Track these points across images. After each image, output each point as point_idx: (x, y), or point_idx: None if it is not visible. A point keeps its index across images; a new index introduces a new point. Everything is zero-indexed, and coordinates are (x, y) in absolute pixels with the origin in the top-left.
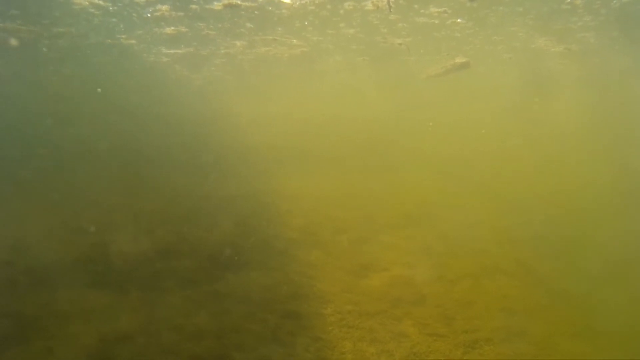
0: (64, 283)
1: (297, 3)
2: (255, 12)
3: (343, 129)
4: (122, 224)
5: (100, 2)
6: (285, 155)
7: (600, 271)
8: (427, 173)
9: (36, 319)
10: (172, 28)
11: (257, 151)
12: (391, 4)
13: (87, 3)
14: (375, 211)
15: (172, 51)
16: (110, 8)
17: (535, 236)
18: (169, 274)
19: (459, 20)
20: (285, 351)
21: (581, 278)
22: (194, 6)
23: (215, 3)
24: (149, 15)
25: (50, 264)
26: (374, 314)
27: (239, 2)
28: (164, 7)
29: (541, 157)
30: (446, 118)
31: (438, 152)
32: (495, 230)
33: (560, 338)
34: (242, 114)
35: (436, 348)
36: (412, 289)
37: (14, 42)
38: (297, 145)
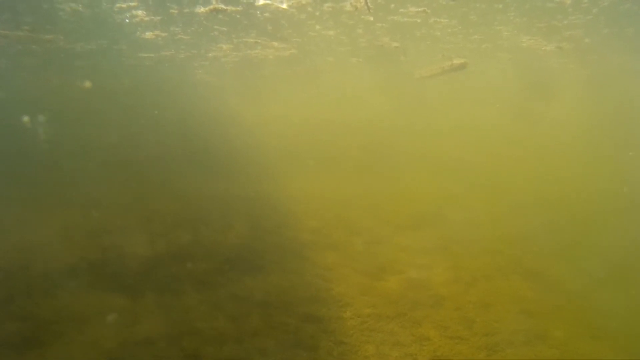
0: (80, 286)
1: (285, 5)
2: (237, 15)
3: (344, 130)
4: (135, 226)
5: (80, 9)
6: (289, 156)
7: (616, 273)
8: (433, 174)
9: (53, 322)
10: (151, 32)
11: (259, 152)
12: (369, 4)
13: (69, 9)
14: (386, 212)
15: (155, 54)
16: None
17: (545, 237)
18: (185, 277)
19: (448, 21)
20: (309, 355)
21: (596, 280)
22: (177, 11)
23: (201, 8)
24: (127, 20)
25: (66, 267)
26: (394, 317)
27: (224, 7)
28: (140, 12)
29: (546, 156)
30: (446, 119)
31: (441, 153)
32: (505, 231)
33: (580, 340)
34: (241, 116)
35: (458, 351)
36: (430, 291)
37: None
38: (299, 146)
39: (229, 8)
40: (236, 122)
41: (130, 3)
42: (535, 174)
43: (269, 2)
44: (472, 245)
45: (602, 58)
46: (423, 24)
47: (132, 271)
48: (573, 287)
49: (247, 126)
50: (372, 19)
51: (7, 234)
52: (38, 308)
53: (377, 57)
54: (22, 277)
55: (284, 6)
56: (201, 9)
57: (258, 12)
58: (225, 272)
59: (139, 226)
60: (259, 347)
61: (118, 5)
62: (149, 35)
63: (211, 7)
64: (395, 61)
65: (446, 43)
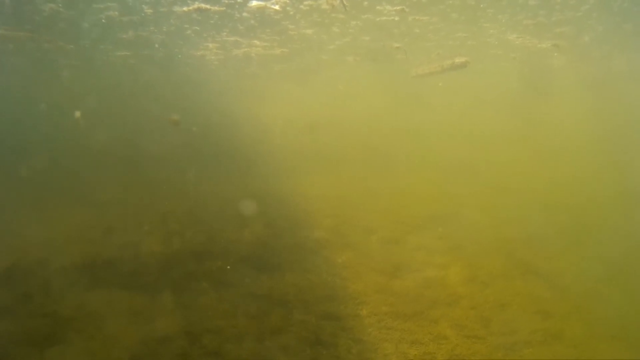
0: (98, 283)
1: (277, 6)
2: (216, 16)
3: (347, 130)
4: (151, 224)
5: (61, 9)
6: (295, 156)
7: (633, 274)
8: (441, 174)
9: (73, 319)
10: (132, 32)
11: (266, 151)
12: (345, 2)
13: (49, 10)
14: (399, 212)
15: (138, 53)
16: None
17: (558, 238)
18: (202, 275)
19: (428, 18)
20: (329, 353)
21: (614, 281)
22: (162, 9)
23: (184, 7)
24: (104, 20)
25: (83, 264)
26: (411, 316)
27: (208, 7)
28: (115, 13)
29: (553, 158)
30: (448, 119)
31: (447, 153)
32: (518, 231)
33: (598, 340)
34: (242, 116)
35: (476, 350)
36: (446, 290)
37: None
38: (305, 145)
39: (213, 8)
40: (237, 122)
41: (109, 3)
42: (543, 175)
43: (261, 3)
44: (487, 244)
45: (605, 55)
46: (412, 22)
47: (148, 269)
48: (590, 288)
49: (249, 125)
50: (342, 16)
51: (23, 232)
52: (57, 305)
53: (375, 57)
54: (40, 274)
55: (277, 7)
56: (184, 9)
57: (246, 13)
58: (241, 271)
59: (154, 225)
60: (279, 345)
61: (96, 5)
62: (130, 34)
63: (195, 6)
64: (392, 60)
65: (430, 41)
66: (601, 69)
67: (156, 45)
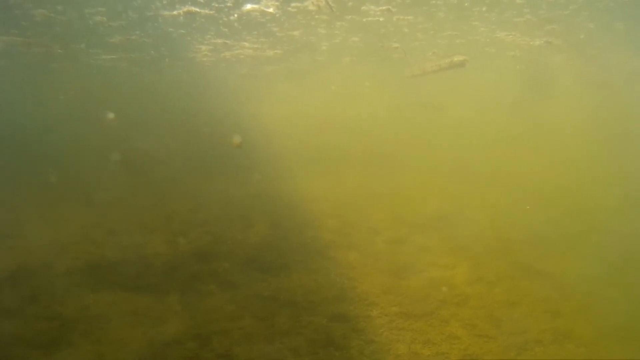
0: (103, 285)
1: (271, 9)
2: (202, 19)
3: (348, 131)
4: (155, 225)
5: (52, 14)
6: (297, 157)
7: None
8: (445, 175)
9: (79, 322)
10: (119, 37)
11: (269, 152)
12: (331, 3)
13: (41, 15)
14: (403, 212)
15: (131, 55)
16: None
17: (564, 239)
18: (209, 276)
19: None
20: (342, 355)
21: (622, 280)
22: (150, 13)
23: (174, 11)
24: (91, 24)
25: (88, 265)
26: (421, 316)
27: (197, 10)
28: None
29: (555, 157)
30: (447, 118)
31: (449, 154)
32: (523, 231)
33: (608, 340)
34: (238, 116)
35: (488, 349)
36: (454, 290)
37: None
38: (307, 146)
39: (203, 11)
40: (234, 122)
41: (99, 8)
42: (546, 176)
43: (255, 6)
44: (493, 244)
45: (601, 53)
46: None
47: (154, 270)
48: (598, 289)
49: (246, 126)
50: (326, 17)
51: (27, 234)
52: (63, 307)
53: (371, 57)
54: (45, 276)
55: (270, 10)
56: (174, 12)
57: (235, 15)
58: (248, 272)
59: (158, 225)
60: (290, 347)
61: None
62: (118, 38)
63: (185, 9)
64: (389, 60)
65: (419, 40)
66: (599, 67)
67: (146, 48)
